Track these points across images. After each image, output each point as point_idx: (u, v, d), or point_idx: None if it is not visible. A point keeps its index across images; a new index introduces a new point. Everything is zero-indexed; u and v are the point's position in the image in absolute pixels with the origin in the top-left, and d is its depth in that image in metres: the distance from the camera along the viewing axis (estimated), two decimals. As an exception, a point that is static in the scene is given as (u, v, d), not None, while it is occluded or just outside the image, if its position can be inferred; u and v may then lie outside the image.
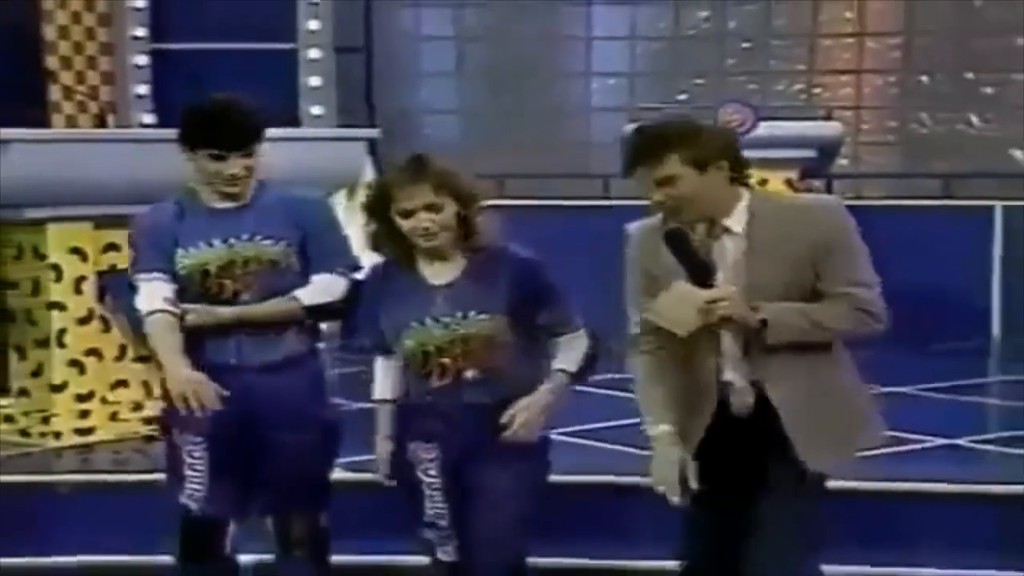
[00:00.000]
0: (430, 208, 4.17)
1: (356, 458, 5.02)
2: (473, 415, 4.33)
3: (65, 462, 6.55)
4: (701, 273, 4.03)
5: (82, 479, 6.36)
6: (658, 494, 4.06)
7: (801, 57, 10.28)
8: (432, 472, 4.41)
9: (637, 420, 4.26)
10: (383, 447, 4.51)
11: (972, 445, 6.74)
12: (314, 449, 4.84)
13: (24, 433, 6.73)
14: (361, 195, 4.66)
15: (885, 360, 8.28)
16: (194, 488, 4.60)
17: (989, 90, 10.00)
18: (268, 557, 5.07)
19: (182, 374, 4.45)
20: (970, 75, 10.01)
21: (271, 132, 8.12)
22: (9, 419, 6.73)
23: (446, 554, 4.41)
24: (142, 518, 5.49)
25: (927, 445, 6.66)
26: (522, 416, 4.28)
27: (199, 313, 4.60)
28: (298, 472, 4.81)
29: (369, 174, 8.55)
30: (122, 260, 6.76)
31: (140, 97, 10.04)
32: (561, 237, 8.31)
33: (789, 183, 8.12)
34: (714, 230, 4.08)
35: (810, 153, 8.21)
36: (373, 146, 8.31)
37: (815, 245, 4.05)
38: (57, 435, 6.76)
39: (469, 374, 4.35)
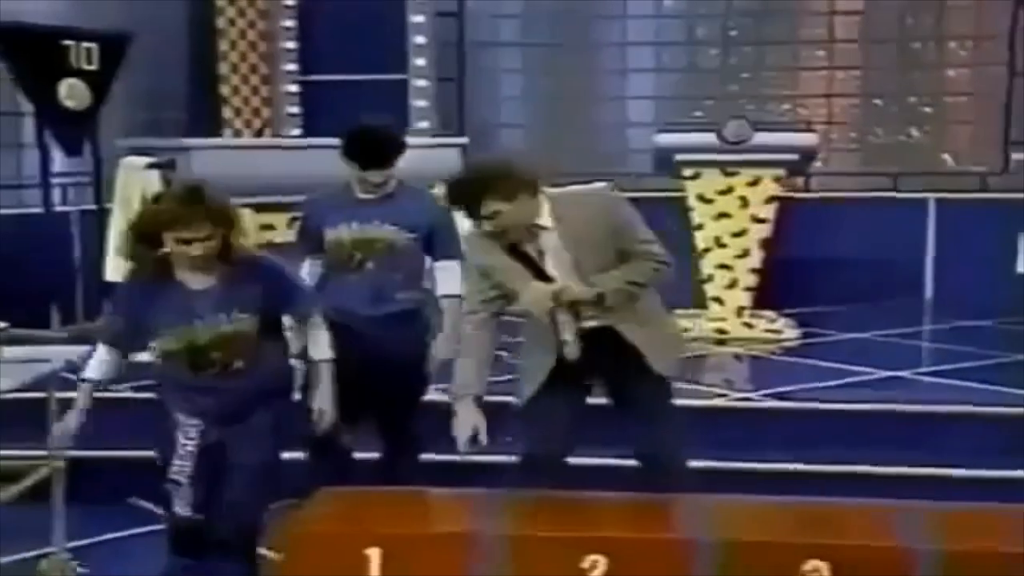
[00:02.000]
0: (207, 239, 4.08)
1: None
2: (233, 396, 4.24)
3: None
4: (541, 275, 4.33)
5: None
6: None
7: (787, 85, 10.41)
8: (192, 436, 4.26)
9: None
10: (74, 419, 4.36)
11: (912, 376, 7.06)
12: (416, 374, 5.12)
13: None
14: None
15: (847, 314, 8.71)
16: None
17: (927, 110, 10.13)
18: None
19: None
20: (912, 99, 10.15)
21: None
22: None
23: (182, 508, 4.25)
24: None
25: (877, 376, 7.01)
26: None
27: None
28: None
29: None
30: (276, 237, 7.14)
31: (291, 116, 10.19)
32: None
33: (777, 179, 8.19)
34: (532, 230, 4.32)
35: (793, 157, 8.26)
36: (463, 151, 8.49)
37: (608, 224, 4.41)
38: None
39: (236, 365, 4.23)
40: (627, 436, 4.60)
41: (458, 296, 4.98)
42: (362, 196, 5.07)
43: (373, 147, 5.05)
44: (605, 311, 4.39)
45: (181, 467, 4.24)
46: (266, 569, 4.22)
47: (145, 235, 4.17)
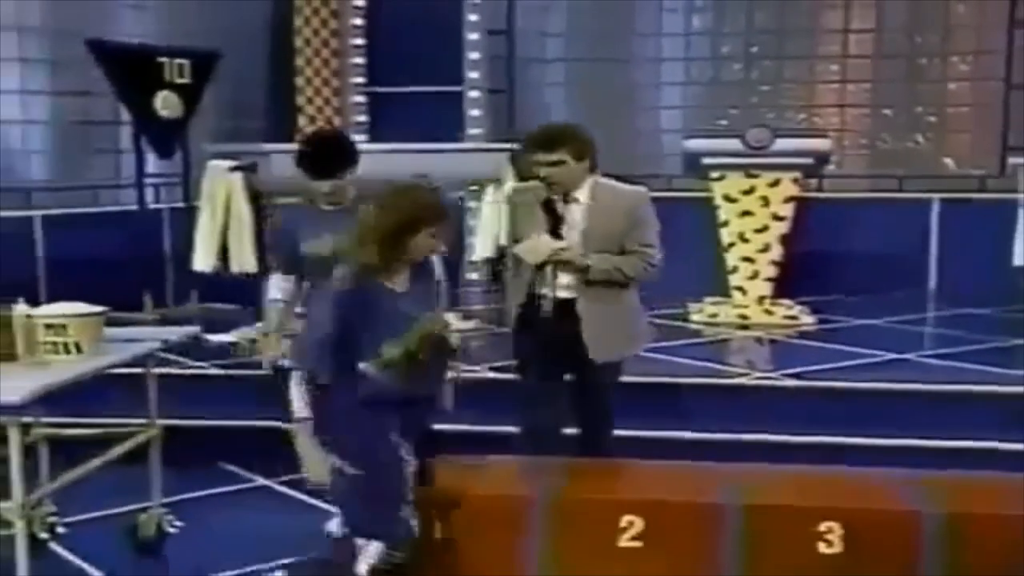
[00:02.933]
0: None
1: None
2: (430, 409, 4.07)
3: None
4: (555, 234, 4.51)
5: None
6: None
7: (803, 96, 10.32)
8: (408, 457, 3.91)
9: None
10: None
11: (917, 359, 7.03)
12: None
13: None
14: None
15: (858, 302, 8.67)
16: None
17: (931, 119, 10.04)
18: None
19: None
20: (918, 109, 10.05)
21: (451, 144, 8.40)
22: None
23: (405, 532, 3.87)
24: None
25: (885, 358, 7.00)
26: None
27: None
28: None
29: (509, 174, 8.84)
30: None
31: (359, 123, 10.18)
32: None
33: (795, 181, 8.18)
34: (568, 198, 4.54)
35: (809, 160, 8.24)
36: (513, 155, 8.36)
37: (627, 218, 4.54)
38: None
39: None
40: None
41: None
42: (326, 208, 4.67)
43: (322, 157, 4.69)
44: (583, 286, 4.54)
45: (408, 489, 3.89)
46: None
47: (408, 227, 3.83)
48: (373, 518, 3.84)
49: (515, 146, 8.75)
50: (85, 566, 4.84)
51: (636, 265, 4.58)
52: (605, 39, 10.57)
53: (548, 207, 4.57)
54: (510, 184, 4.78)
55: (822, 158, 8.37)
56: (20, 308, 4.41)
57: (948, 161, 10.02)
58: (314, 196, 4.70)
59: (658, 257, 4.59)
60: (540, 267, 4.55)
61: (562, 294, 4.56)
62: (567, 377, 4.72)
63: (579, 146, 4.50)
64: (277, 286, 4.82)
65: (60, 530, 5.10)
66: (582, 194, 4.55)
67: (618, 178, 4.70)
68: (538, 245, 4.52)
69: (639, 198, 4.67)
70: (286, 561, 4.37)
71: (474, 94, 10.23)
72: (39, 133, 9.14)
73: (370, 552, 3.84)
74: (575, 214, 4.56)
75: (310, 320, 4.25)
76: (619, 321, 4.65)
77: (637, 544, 3.91)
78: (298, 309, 4.86)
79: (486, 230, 8.47)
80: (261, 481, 4.95)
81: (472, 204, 8.90)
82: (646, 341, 4.92)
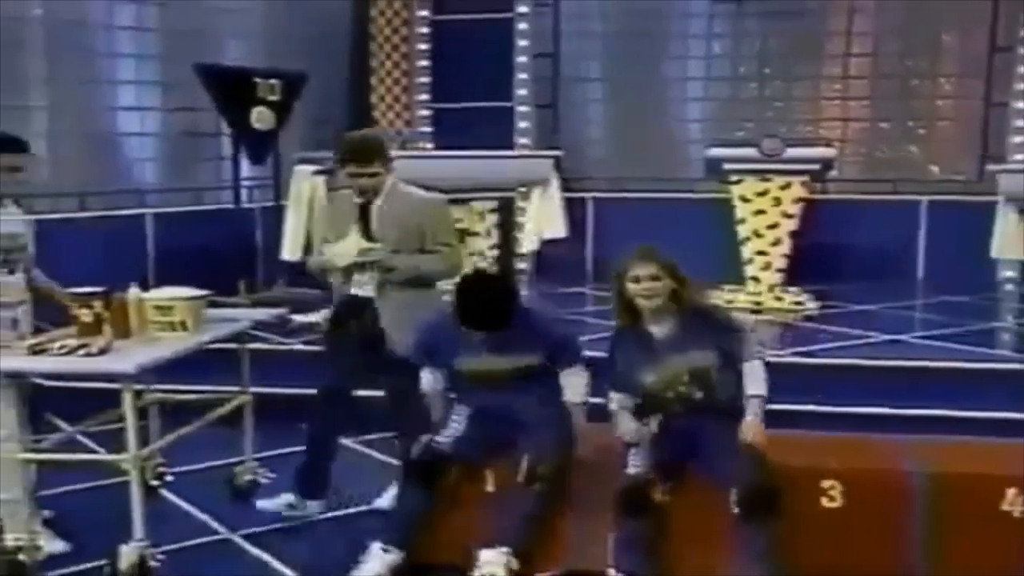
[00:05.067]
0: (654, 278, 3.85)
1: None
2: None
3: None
4: (368, 233, 4.34)
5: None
6: None
7: (810, 111, 10.27)
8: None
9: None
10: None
11: (909, 339, 6.95)
12: None
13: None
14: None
15: (856, 290, 8.58)
16: None
17: (921, 131, 9.99)
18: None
19: None
20: (910, 123, 10.00)
21: (502, 152, 8.34)
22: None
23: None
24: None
25: (881, 339, 6.93)
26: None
27: None
28: None
29: (554, 178, 8.83)
30: None
31: (424, 134, 10.19)
32: (664, 218, 8.58)
33: (804, 184, 8.13)
34: (372, 198, 4.31)
35: (816, 166, 8.17)
36: (557, 162, 8.42)
37: (423, 219, 4.36)
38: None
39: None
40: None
41: None
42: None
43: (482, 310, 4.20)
44: (387, 285, 4.40)
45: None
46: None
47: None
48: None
49: (558, 153, 8.78)
50: (190, 509, 4.92)
51: (438, 263, 4.45)
52: (638, 61, 10.54)
53: (361, 211, 4.39)
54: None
55: (827, 164, 8.30)
56: (133, 292, 4.44)
57: (935, 168, 9.98)
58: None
59: (457, 256, 4.51)
60: (348, 268, 4.45)
61: (363, 292, 4.45)
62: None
63: (389, 156, 4.39)
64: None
65: (168, 479, 5.21)
66: (381, 197, 4.37)
67: (424, 187, 4.55)
68: (346, 247, 4.39)
69: (428, 201, 4.48)
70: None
71: (523, 109, 10.20)
72: (151, 143, 9.27)
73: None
74: (375, 213, 4.37)
75: None
76: (418, 311, 4.38)
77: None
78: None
79: (534, 223, 8.48)
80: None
81: (521, 204, 8.88)
82: None
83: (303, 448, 4.73)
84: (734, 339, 3.91)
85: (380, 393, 4.67)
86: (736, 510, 3.60)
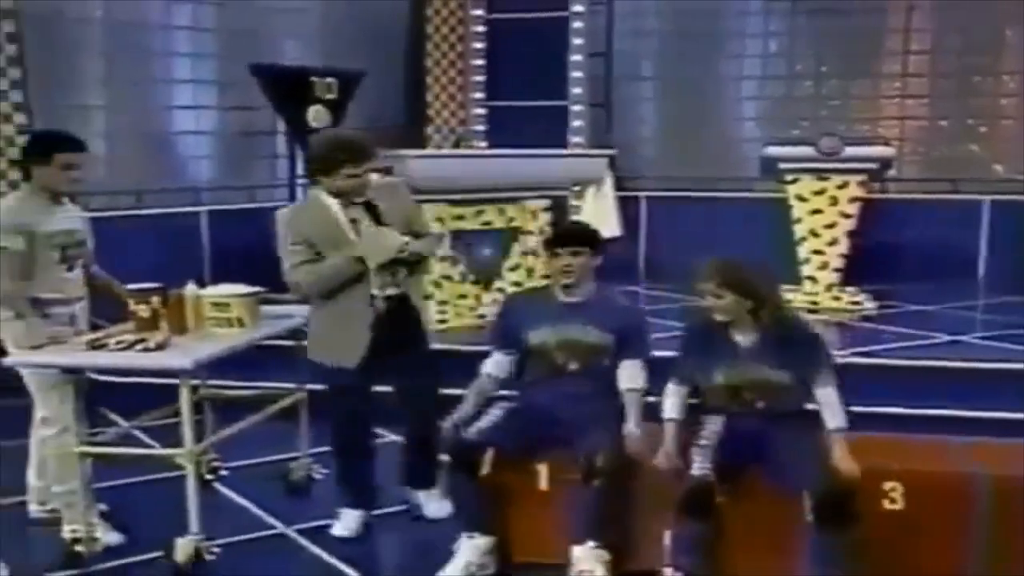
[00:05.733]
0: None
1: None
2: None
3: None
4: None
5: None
6: None
7: (868, 109, 10.13)
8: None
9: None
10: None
11: (970, 340, 6.83)
12: None
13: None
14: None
15: (915, 290, 8.46)
16: None
17: (982, 130, 9.82)
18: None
19: None
20: (970, 121, 9.84)
21: (556, 151, 8.27)
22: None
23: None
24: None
25: (941, 340, 6.82)
26: None
27: None
28: None
29: (608, 177, 8.79)
30: (465, 225, 7.17)
31: (478, 132, 10.20)
32: (719, 218, 8.51)
33: (863, 184, 8.02)
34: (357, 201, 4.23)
35: (874, 166, 8.05)
36: (612, 160, 8.41)
37: (410, 207, 4.43)
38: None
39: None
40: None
41: None
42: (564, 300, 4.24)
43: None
44: (415, 278, 4.36)
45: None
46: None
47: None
48: None
49: (613, 152, 8.73)
50: (244, 503, 4.95)
51: (431, 243, 4.53)
52: (692, 60, 10.45)
53: (374, 216, 4.27)
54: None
55: (886, 163, 8.17)
56: (191, 288, 4.47)
57: (998, 167, 9.76)
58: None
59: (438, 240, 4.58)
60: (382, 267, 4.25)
61: (392, 291, 4.30)
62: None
63: (375, 156, 4.36)
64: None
65: (223, 474, 5.26)
66: (373, 193, 4.30)
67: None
68: (385, 242, 4.19)
69: (404, 188, 4.54)
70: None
71: (577, 108, 10.11)
72: (207, 142, 9.31)
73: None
74: (382, 213, 4.27)
75: None
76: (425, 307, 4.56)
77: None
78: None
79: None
80: (391, 437, 4.94)
81: (574, 202, 8.86)
82: None
83: (336, 456, 4.61)
84: (811, 361, 3.88)
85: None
86: (810, 517, 3.58)
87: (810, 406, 3.91)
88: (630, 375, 4.12)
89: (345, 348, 4.28)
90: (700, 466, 3.75)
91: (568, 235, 4.25)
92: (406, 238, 4.27)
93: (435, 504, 4.54)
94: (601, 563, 3.84)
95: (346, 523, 4.52)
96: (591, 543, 3.85)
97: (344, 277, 4.24)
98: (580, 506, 3.87)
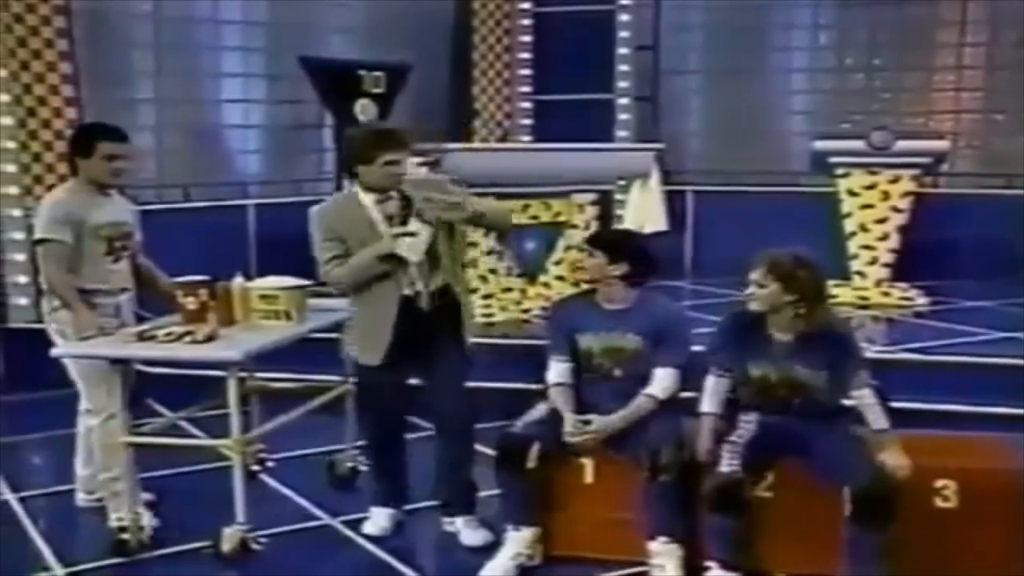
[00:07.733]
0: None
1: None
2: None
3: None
4: (405, 223, 4.06)
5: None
6: None
7: (922, 102, 10.02)
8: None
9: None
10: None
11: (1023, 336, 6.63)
12: None
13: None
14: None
15: (967, 286, 8.34)
16: None
17: (1038, 121, 9.63)
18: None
19: None
20: (1025, 113, 9.67)
21: (603, 144, 8.26)
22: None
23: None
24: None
25: (993, 336, 6.76)
26: None
27: None
28: None
29: (654, 171, 8.75)
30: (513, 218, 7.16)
31: (525, 126, 10.23)
32: (767, 212, 8.44)
33: (915, 179, 7.95)
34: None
35: (928, 160, 8.00)
36: (658, 154, 8.32)
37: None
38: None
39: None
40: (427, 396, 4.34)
41: None
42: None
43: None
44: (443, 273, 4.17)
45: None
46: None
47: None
48: None
49: (660, 146, 8.68)
50: (290, 494, 4.99)
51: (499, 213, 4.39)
52: (739, 53, 10.38)
53: (405, 202, 4.14)
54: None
55: (939, 158, 8.10)
56: (239, 281, 4.50)
57: (1053, 160, 9.56)
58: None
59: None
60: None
61: (415, 290, 4.16)
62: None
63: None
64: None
65: (269, 464, 5.30)
66: (406, 185, 4.16)
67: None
68: (442, 191, 4.09)
69: (443, 182, 4.31)
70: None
71: (623, 101, 10.09)
72: (256, 135, 9.38)
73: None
74: (393, 208, 4.13)
75: None
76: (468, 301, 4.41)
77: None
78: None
79: (634, 217, 8.41)
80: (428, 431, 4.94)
81: (620, 197, 8.85)
82: None
83: (370, 452, 4.57)
84: (846, 365, 3.82)
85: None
86: (849, 512, 3.55)
87: (848, 402, 3.90)
88: (659, 383, 4.05)
89: (369, 346, 4.20)
90: (728, 463, 3.75)
91: (592, 237, 4.35)
92: (465, 188, 4.15)
93: (472, 531, 4.35)
94: (674, 558, 3.86)
95: (376, 521, 4.49)
96: (662, 538, 3.87)
97: (373, 273, 4.11)
98: (649, 502, 3.89)
